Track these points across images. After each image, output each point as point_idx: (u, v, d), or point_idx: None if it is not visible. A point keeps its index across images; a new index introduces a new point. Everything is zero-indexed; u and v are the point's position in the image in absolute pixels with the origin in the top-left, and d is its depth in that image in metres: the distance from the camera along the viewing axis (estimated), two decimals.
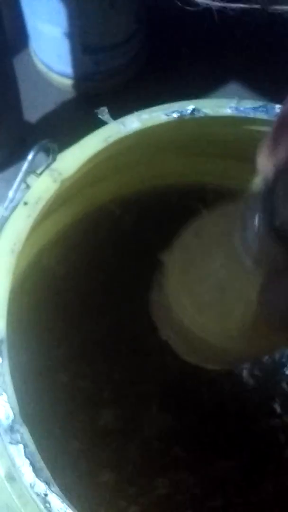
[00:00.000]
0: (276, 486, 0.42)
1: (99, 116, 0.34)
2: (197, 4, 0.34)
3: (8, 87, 0.66)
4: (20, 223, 0.31)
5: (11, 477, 0.26)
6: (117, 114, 0.61)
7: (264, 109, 0.34)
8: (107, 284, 0.45)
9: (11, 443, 0.27)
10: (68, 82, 0.74)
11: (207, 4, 0.33)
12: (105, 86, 0.74)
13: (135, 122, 0.34)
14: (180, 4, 0.36)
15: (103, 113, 0.34)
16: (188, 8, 0.36)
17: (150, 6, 0.72)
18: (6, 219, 0.33)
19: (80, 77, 0.73)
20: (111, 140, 0.33)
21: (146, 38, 0.75)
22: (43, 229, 0.39)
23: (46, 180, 0.32)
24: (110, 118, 0.34)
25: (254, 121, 0.34)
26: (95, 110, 0.34)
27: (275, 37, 0.72)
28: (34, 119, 0.72)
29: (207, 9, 0.42)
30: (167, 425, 0.43)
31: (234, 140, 0.38)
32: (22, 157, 0.65)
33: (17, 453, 0.27)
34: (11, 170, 0.67)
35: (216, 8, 0.33)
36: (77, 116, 0.73)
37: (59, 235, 0.41)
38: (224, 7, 0.32)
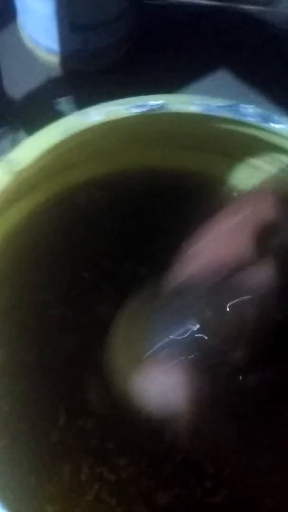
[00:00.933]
0: None
1: (58, 107, 0.32)
2: None
3: None
4: None
5: None
6: (102, 95, 0.60)
7: (231, 109, 0.33)
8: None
9: None
10: (54, 59, 0.72)
11: None
12: (91, 66, 0.72)
13: (99, 114, 0.33)
14: None
15: (65, 103, 0.32)
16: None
17: None
18: None
19: (67, 55, 0.71)
20: (71, 132, 0.32)
21: (137, 18, 0.73)
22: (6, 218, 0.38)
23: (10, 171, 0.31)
24: (72, 109, 0.33)
25: (220, 119, 0.33)
26: (55, 100, 0.33)
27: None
28: (16, 96, 0.70)
29: None
30: None
31: (202, 135, 0.37)
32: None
33: None
34: None
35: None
36: (61, 95, 0.72)
37: (23, 222, 0.40)
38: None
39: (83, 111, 0.33)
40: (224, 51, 0.74)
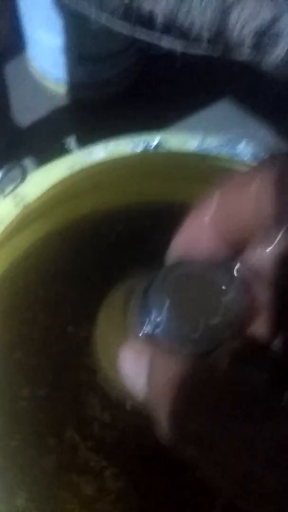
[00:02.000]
0: None
1: (65, 147, 0.35)
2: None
3: (1, 92, 0.67)
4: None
5: None
6: (106, 124, 0.63)
7: (227, 147, 0.35)
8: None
9: None
10: (62, 90, 0.75)
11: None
12: (97, 96, 0.75)
13: (101, 152, 0.35)
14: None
15: (70, 143, 0.35)
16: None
17: None
18: None
19: (74, 85, 0.74)
20: (76, 168, 0.34)
21: (142, 50, 0.76)
22: (11, 247, 0.40)
23: (8, 204, 0.33)
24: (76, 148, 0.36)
25: (216, 158, 0.36)
26: (63, 141, 0.36)
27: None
28: (25, 125, 0.73)
29: None
30: None
31: (198, 169, 0.39)
32: (9, 163, 0.67)
33: None
34: None
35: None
36: (69, 124, 0.75)
37: (31, 248, 0.43)
38: (184, 53, 0.33)
39: (87, 149, 0.35)
40: (223, 87, 0.77)
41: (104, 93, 0.75)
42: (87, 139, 0.71)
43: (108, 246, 0.47)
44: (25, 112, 0.73)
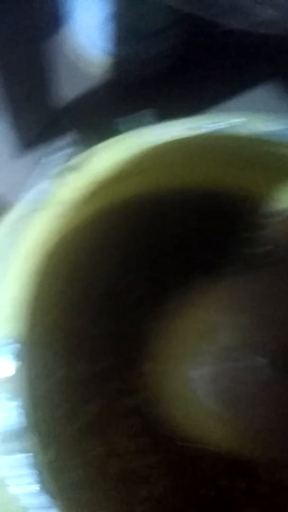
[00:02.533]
0: None
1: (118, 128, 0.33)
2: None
3: (42, 65, 0.64)
4: (49, 224, 0.31)
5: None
6: (149, 101, 0.60)
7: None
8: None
9: (17, 451, 0.27)
10: (103, 65, 0.72)
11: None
12: (138, 74, 0.73)
13: (170, 129, 0.33)
14: None
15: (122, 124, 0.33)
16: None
17: None
18: (32, 212, 0.33)
19: (115, 62, 0.72)
20: (142, 146, 0.32)
21: (187, 29, 0.73)
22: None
23: (78, 182, 0.32)
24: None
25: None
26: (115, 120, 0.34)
27: None
28: (66, 100, 0.71)
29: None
30: None
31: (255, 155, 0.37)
32: (50, 138, 0.65)
33: (22, 462, 0.26)
34: (37, 152, 0.66)
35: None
36: (110, 101, 0.72)
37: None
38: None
39: (153, 127, 0.33)
40: (273, 66, 0.74)
41: (150, 70, 0.73)
42: (128, 117, 0.70)
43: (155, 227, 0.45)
44: (66, 85, 0.71)
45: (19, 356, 0.28)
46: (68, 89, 0.71)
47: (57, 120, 0.67)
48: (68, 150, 0.35)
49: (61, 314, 0.38)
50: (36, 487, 0.27)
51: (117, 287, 0.44)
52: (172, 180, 0.43)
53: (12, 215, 0.34)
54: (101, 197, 0.39)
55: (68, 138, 0.36)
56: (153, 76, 0.73)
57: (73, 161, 0.34)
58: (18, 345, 0.28)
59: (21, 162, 0.66)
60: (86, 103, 0.71)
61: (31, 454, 0.27)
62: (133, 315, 0.43)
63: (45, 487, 0.26)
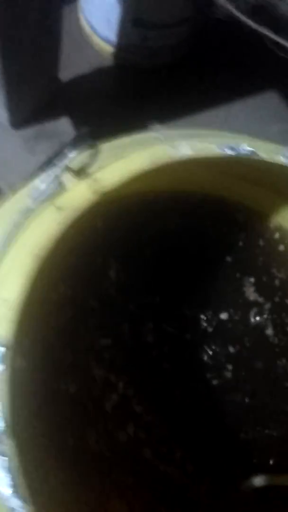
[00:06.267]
0: None
1: (150, 129, 0.33)
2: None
3: (49, 42, 0.63)
4: (51, 228, 0.30)
5: None
6: (150, 93, 0.59)
7: None
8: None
9: None
10: (110, 50, 0.71)
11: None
12: (145, 63, 0.72)
13: (187, 148, 0.33)
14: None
15: (155, 127, 0.33)
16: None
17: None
18: (31, 211, 0.32)
19: (123, 48, 0.71)
20: (159, 162, 0.32)
21: (198, 27, 0.72)
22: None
23: (85, 189, 0.31)
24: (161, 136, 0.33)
25: None
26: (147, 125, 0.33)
27: None
28: (67, 79, 0.69)
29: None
30: None
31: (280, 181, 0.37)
32: (45, 117, 0.64)
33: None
34: (30, 129, 0.64)
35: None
36: (110, 86, 0.71)
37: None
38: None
39: (171, 143, 0.33)
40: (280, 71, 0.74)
41: (154, 62, 0.72)
42: (124, 105, 0.69)
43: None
44: (69, 65, 0.69)
45: (3, 360, 0.28)
46: (68, 71, 0.69)
47: (53, 100, 0.65)
48: (69, 152, 0.34)
49: (50, 320, 0.38)
50: (9, 491, 0.27)
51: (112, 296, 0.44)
52: (170, 187, 0.43)
53: (7, 210, 0.34)
54: (98, 203, 0.39)
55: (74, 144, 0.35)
56: (153, 70, 0.72)
57: (73, 164, 0.33)
58: (4, 349, 0.28)
59: (12, 139, 0.64)
60: (83, 83, 0.70)
61: (6, 458, 0.27)
62: (125, 322, 0.43)
63: (18, 491, 0.27)
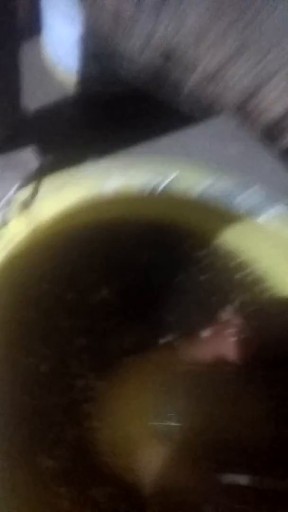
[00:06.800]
0: None
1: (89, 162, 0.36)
2: None
3: (11, 73, 0.66)
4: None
5: None
6: (111, 122, 0.62)
7: (234, 192, 0.37)
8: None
9: None
10: (72, 81, 0.75)
11: None
12: (107, 93, 0.76)
13: (115, 182, 0.36)
14: None
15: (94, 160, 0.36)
16: None
17: None
18: None
19: (85, 79, 0.75)
20: (89, 197, 0.35)
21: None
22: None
23: (20, 223, 0.34)
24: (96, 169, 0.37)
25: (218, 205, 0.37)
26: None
27: None
28: (31, 109, 0.73)
29: None
30: None
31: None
32: (10, 149, 0.67)
33: None
34: None
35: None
36: (73, 116, 0.75)
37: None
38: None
39: (102, 175, 0.36)
40: None
41: (114, 91, 0.76)
42: (89, 134, 0.72)
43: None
44: (32, 98, 0.73)
45: None
46: (34, 100, 0.73)
47: (17, 131, 0.69)
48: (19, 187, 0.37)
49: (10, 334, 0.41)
50: None
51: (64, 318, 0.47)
52: (113, 217, 0.46)
53: None
54: (50, 232, 0.42)
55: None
56: (115, 99, 0.76)
57: (25, 198, 0.37)
58: None
59: None
60: (47, 115, 0.74)
61: None
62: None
63: None
